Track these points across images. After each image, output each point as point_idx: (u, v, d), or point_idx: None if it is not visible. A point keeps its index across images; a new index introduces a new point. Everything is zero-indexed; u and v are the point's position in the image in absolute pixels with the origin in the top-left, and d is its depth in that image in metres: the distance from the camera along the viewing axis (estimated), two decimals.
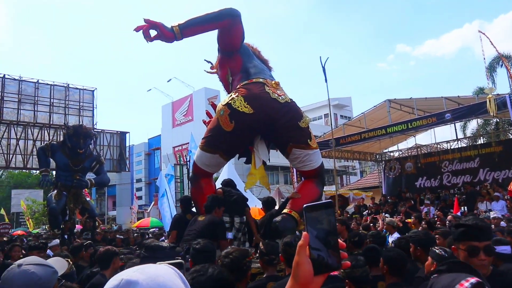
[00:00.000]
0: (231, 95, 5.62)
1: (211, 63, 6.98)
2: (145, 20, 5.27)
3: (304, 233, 1.01)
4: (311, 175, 6.15)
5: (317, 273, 1.00)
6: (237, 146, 5.95)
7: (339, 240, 1.02)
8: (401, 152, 21.99)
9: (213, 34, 6.01)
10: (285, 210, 5.82)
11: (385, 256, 3.45)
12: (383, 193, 20.63)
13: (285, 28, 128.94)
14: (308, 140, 5.82)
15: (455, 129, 19.52)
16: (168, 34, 5.36)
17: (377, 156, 22.76)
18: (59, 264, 2.16)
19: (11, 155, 25.82)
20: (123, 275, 0.96)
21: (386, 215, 13.91)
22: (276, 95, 5.59)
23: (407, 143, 21.68)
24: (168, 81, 50.94)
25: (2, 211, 35.64)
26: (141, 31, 5.29)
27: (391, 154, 22.54)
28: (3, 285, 1.84)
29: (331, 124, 16.83)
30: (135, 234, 14.96)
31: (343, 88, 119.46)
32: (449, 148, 19.79)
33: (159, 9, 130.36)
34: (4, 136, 25.67)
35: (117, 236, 11.70)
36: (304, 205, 1.02)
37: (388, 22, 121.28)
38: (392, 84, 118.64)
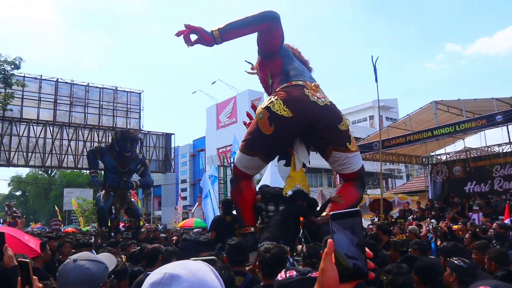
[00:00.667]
0: (270, 98, 5.63)
1: (252, 64, 7.01)
2: (186, 26, 5.37)
3: (329, 240, 1.01)
4: (351, 178, 6.10)
5: (343, 281, 1.00)
6: (277, 148, 5.96)
7: (366, 249, 1.01)
8: (449, 156, 21.28)
9: (255, 36, 6.04)
10: (324, 213, 5.78)
11: (415, 266, 3.38)
12: (430, 197, 20.02)
13: (328, 29, 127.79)
14: (348, 143, 5.77)
15: (508, 132, 18.66)
16: (208, 38, 5.44)
17: (424, 160, 22.13)
18: (110, 261, 2.26)
19: (63, 155, 26.95)
20: (166, 269, 1.00)
21: (432, 220, 13.50)
22: (315, 97, 5.56)
23: (455, 146, 20.93)
24: (212, 83, 51.65)
25: (56, 209, 37.20)
26: (182, 36, 5.38)
27: (438, 157, 21.86)
28: (59, 278, 1.92)
29: (379, 125, 16.48)
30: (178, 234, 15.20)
31: (389, 89, 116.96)
32: (500, 151, 18.93)
33: (201, 12, 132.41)
34: (57, 137, 26.82)
35: (160, 235, 11.99)
36: (331, 213, 1.02)
37: (436, 21, 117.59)
38: (441, 85, 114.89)
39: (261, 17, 5.64)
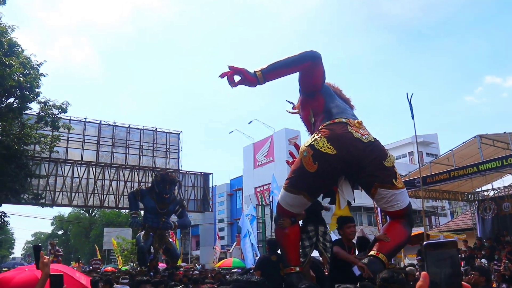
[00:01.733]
0: (313, 136, 5.61)
1: (293, 104, 7.05)
2: (230, 67, 5.46)
3: (423, 272, 0.97)
4: (398, 216, 5.91)
5: None
6: (321, 186, 5.88)
7: (463, 283, 0.95)
8: (496, 191, 20.42)
9: (293, 75, 6.09)
10: (371, 252, 5.59)
11: None
12: (478, 235, 19.13)
13: (363, 67, 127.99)
14: (394, 180, 5.63)
15: None
16: (251, 79, 5.50)
17: (469, 196, 21.31)
18: None
19: (105, 195, 27.58)
20: None
21: (482, 260, 12.84)
22: (359, 134, 5.51)
23: (503, 182, 20.11)
24: (249, 123, 52.16)
25: (96, 248, 37.70)
26: (226, 77, 5.49)
27: (485, 193, 21.00)
28: None
29: (418, 162, 16.15)
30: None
31: (428, 124, 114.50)
32: None
33: (234, 55, 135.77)
34: (99, 178, 27.55)
35: (195, 272, 12.09)
36: (425, 243, 0.99)
37: (473, 54, 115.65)
38: (483, 118, 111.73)
39: (302, 57, 5.69)
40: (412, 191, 17.58)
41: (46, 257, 2.97)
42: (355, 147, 5.44)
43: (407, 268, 7.10)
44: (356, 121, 5.72)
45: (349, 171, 5.72)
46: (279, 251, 6.98)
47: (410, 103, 10.25)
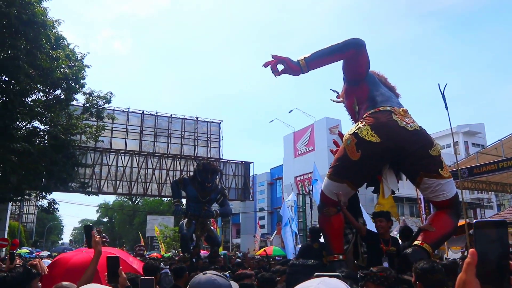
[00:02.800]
0: (357, 125, 5.54)
1: (337, 92, 6.98)
2: (273, 56, 5.49)
3: (472, 250, 0.95)
4: (444, 206, 5.77)
5: None
6: (365, 175, 5.80)
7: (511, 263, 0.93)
8: None
9: (334, 64, 6.00)
10: (416, 242, 5.48)
11: None
12: None
13: (404, 54, 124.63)
14: (440, 169, 5.50)
15: None
16: (295, 68, 5.51)
17: None
18: (234, 285, 2.36)
19: (148, 184, 28.24)
20: (311, 286, 1.02)
21: None
22: (404, 123, 5.40)
23: None
24: (289, 112, 51.96)
25: (139, 235, 38.79)
26: (270, 66, 5.49)
27: None
28: (191, 284, 2.11)
29: (455, 153, 15.56)
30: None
31: (475, 114, 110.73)
32: None
33: (275, 45, 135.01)
34: (142, 166, 28.23)
35: (236, 260, 12.32)
36: (475, 221, 0.97)
37: None
38: None
39: (346, 45, 5.64)
40: (456, 182, 17.04)
41: (97, 236, 3.08)
42: (400, 135, 5.34)
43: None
44: (401, 109, 5.60)
45: (394, 160, 5.63)
46: (321, 239, 6.98)
47: (443, 94, 9.92)
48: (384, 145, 5.31)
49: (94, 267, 2.88)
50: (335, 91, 7.04)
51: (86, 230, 3.08)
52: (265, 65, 5.51)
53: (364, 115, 5.65)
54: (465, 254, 14.23)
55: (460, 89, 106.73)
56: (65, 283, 2.69)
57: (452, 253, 16.12)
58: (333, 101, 7.05)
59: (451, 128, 11.56)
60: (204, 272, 2.19)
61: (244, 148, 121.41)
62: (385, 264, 5.06)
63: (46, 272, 3.51)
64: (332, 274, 1.19)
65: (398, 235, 7.07)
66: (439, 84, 10.05)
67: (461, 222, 16.92)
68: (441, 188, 5.56)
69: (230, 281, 2.45)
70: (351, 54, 5.69)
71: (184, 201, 13.94)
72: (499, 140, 17.22)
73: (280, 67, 5.53)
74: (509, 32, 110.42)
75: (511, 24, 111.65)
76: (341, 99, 6.84)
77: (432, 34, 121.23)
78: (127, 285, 2.61)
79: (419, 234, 5.67)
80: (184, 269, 5.07)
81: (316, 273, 1.15)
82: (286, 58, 5.49)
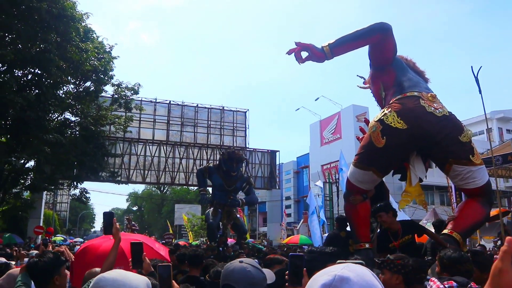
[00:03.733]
0: (383, 111, 5.43)
1: (364, 78, 6.87)
2: (296, 43, 5.42)
3: (508, 238, 0.94)
4: (475, 194, 5.60)
5: None
6: (391, 162, 5.70)
7: None
8: None
9: (360, 50, 5.91)
10: (445, 231, 5.39)
11: None
12: None
13: (438, 38, 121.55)
14: (471, 156, 5.33)
15: None
16: (319, 55, 5.43)
17: None
18: (269, 275, 2.39)
19: (175, 173, 28.63)
20: (335, 271, 0.99)
21: None
22: (432, 108, 5.25)
23: None
24: (315, 100, 51.38)
25: (168, 223, 39.40)
26: (293, 53, 5.44)
27: None
28: (224, 272, 2.14)
29: (489, 138, 15.15)
30: (285, 249, 15.38)
31: (509, 99, 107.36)
32: None
33: (300, 32, 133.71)
34: (169, 156, 28.61)
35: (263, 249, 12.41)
36: None
37: None
38: None
39: (372, 29, 5.51)
40: (490, 169, 16.63)
41: (117, 223, 3.14)
42: (428, 121, 5.20)
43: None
44: (429, 94, 5.45)
45: (421, 146, 5.50)
46: (348, 228, 6.93)
47: (476, 77, 9.55)
48: (411, 132, 5.20)
49: (115, 254, 2.93)
50: (361, 77, 6.93)
51: (107, 217, 3.11)
52: (289, 53, 5.44)
53: (391, 101, 5.54)
54: (498, 243, 13.94)
55: (494, 74, 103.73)
56: (97, 269, 2.79)
57: (484, 242, 15.82)
58: (360, 87, 6.95)
59: (485, 112, 11.19)
60: (241, 260, 2.16)
61: (270, 137, 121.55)
62: None
63: (73, 259, 3.62)
64: (356, 262, 1.20)
65: (427, 224, 6.98)
66: (472, 67, 9.70)
67: (495, 211, 16.64)
68: (472, 176, 5.40)
69: (265, 269, 2.45)
70: (377, 39, 5.58)
71: (210, 189, 14.09)
72: None
73: (304, 54, 5.45)
74: None
75: None
76: (368, 85, 6.74)
77: (464, 17, 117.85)
78: (151, 271, 2.64)
79: (449, 223, 5.59)
80: (200, 257, 5.01)
81: (338, 260, 1.16)
82: (310, 45, 5.42)
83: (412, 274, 2.80)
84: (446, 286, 1.93)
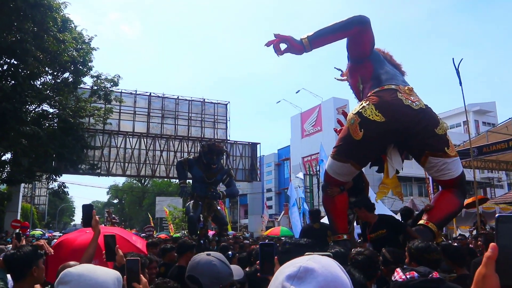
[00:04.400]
0: (361, 104, 5.49)
1: (341, 71, 6.92)
2: (275, 35, 5.41)
3: (492, 244, 0.96)
4: (450, 185, 5.74)
5: None
6: (368, 154, 5.77)
7: None
8: None
9: (340, 43, 5.94)
10: (421, 221, 5.50)
11: None
12: None
13: (418, 31, 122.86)
14: (446, 148, 5.45)
15: None
16: (298, 47, 5.43)
17: None
18: (237, 271, 2.37)
19: (156, 165, 28.45)
20: (300, 262, 1.00)
21: None
22: (409, 101, 5.33)
23: None
24: (296, 92, 51.55)
25: (149, 216, 39.19)
26: (272, 45, 5.43)
27: None
28: (190, 264, 2.17)
29: (468, 130, 15.43)
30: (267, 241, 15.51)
31: (486, 92, 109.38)
32: None
33: (282, 24, 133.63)
34: (150, 148, 28.40)
35: (245, 241, 12.47)
36: (497, 215, 0.98)
37: None
38: None
39: (350, 22, 5.53)
40: (466, 161, 16.96)
41: (97, 216, 3.12)
42: (405, 114, 5.28)
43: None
44: (406, 88, 5.53)
45: (398, 139, 5.58)
46: (322, 220, 7.04)
47: (457, 69, 9.68)
48: (388, 124, 5.26)
49: (94, 247, 2.92)
50: (339, 70, 6.97)
51: (86, 210, 3.08)
52: (268, 44, 5.43)
53: (369, 94, 5.59)
54: (474, 233, 14.23)
55: (471, 68, 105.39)
56: (71, 262, 2.76)
57: (461, 232, 16.17)
58: (337, 79, 7.00)
59: (464, 104, 11.31)
60: (208, 253, 2.18)
61: (251, 129, 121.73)
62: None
63: (52, 253, 3.58)
64: (323, 254, 1.21)
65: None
66: (453, 59, 9.80)
67: (471, 198, 16.96)
68: (447, 167, 5.52)
69: (233, 265, 2.45)
70: (355, 32, 5.61)
71: (190, 181, 14.02)
72: (509, 118, 17.05)
73: (283, 46, 5.45)
74: None
75: None
76: (345, 77, 6.79)
77: (444, 12, 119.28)
78: (124, 263, 2.62)
79: (423, 213, 5.70)
80: (186, 246, 5.04)
81: (306, 252, 1.16)
82: (288, 37, 5.41)
83: (366, 267, 2.84)
84: (408, 276, 1.98)
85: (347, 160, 5.63)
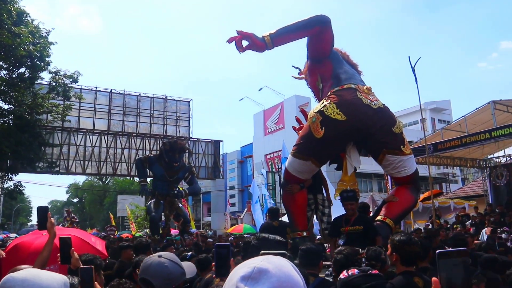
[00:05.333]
0: (322, 102, 5.59)
1: (299, 69, 6.99)
2: (238, 32, 5.42)
3: (434, 279, 1.03)
4: (405, 182, 5.97)
5: None
6: (329, 152, 5.90)
7: None
8: (509, 158, 20.23)
9: (303, 42, 6.01)
10: (379, 217, 5.66)
11: None
12: (490, 202, 19.11)
13: (378, 31, 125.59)
14: (402, 146, 5.67)
15: None
16: (260, 44, 5.46)
17: (481, 163, 21.17)
18: (189, 269, 2.36)
19: (117, 163, 27.91)
20: (254, 263, 1.00)
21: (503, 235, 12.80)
22: (368, 100, 5.49)
23: None
24: (259, 90, 51.87)
25: (110, 215, 38.48)
26: (234, 42, 5.43)
27: (497, 160, 20.84)
28: (142, 267, 2.15)
29: (423, 128, 15.94)
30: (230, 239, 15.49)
31: (441, 91, 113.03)
32: None
33: (246, 22, 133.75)
34: (111, 146, 27.82)
35: (208, 239, 12.43)
36: (437, 252, 1.04)
37: (488, 19, 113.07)
38: (497, 84, 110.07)
39: (312, 22, 5.62)
40: (422, 157, 17.50)
41: (52, 218, 3.02)
42: (365, 113, 5.42)
43: None
44: (365, 87, 5.68)
45: (358, 137, 5.72)
46: (281, 218, 7.15)
47: (413, 68, 9.98)
48: (349, 123, 5.38)
49: (49, 249, 2.85)
50: (297, 68, 7.04)
51: (41, 212, 2.99)
52: (229, 41, 5.43)
53: (329, 93, 5.70)
54: (430, 227, 14.73)
55: (428, 67, 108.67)
56: (22, 266, 2.68)
57: (418, 226, 16.68)
58: (295, 77, 7.08)
59: (420, 102, 11.64)
60: (160, 255, 2.18)
61: (214, 127, 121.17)
62: (340, 242, 5.16)
63: (4, 256, 3.47)
64: (278, 252, 1.24)
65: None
66: (409, 57, 10.05)
67: (427, 193, 17.52)
68: (403, 165, 5.73)
69: (186, 262, 2.46)
70: (316, 31, 5.69)
71: (150, 179, 13.82)
72: (462, 116, 17.62)
73: (245, 43, 5.47)
74: (476, 11, 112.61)
75: (479, 2, 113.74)
76: (303, 76, 6.88)
77: (402, 12, 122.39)
78: (80, 266, 2.48)
79: (383, 207, 5.87)
80: (146, 246, 4.99)
81: (262, 251, 1.20)
82: (251, 34, 5.44)
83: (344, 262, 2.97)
84: (349, 273, 2.10)
85: (307, 158, 5.73)
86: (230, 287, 0.99)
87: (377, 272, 2.17)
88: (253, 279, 0.96)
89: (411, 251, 3.11)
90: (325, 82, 6.04)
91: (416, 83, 10.50)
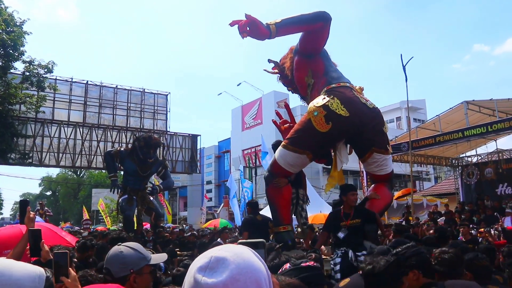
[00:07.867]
0: (324, 97, 5.58)
1: (277, 63, 6.93)
2: (246, 16, 5.24)
3: None
4: (383, 179, 6.17)
5: None
6: (326, 147, 5.96)
7: None
8: (480, 157, 20.77)
9: (285, 38, 6.00)
10: None
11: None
12: (461, 200, 19.60)
13: (350, 31, 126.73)
14: (387, 145, 5.96)
15: None
16: (264, 32, 5.32)
17: (454, 161, 21.68)
18: (158, 257, 2.38)
19: (92, 156, 27.45)
20: (211, 253, 0.99)
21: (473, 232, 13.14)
22: (364, 100, 5.73)
23: (487, 148, 20.36)
24: (238, 85, 51.72)
25: (83, 209, 37.93)
26: (237, 26, 5.26)
27: (469, 159, 21.37)
28: (106, 256, 2.26)
29: (408, 125, 16.25)
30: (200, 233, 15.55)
31: (416, 90, 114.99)
32: None
33: (226, 17, 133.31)
34: (86, 138, 27.35)
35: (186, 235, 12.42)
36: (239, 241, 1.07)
37: (462, 22, 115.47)
38: (470, 85, 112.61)
39: (316, 17, 5.62)
40: (398, 155, 17.81)
41: (32, 212, 2.96)
42: (363, 112, 5.59)
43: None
44: (357, 87, 5.91)
45: (354, 134, 5.82)
46: (261, 212, 7.18)
47: (404, 66, 10.12)
48: (351, 119, 5.47)
49: (24, 244, 2.75)
50: (274, 62, 6.90)
51: (22, 205, 2.95)
52: (232, 24, 5.26)
53: (326, 89, 5.72)
54: (403, 223, 15.03)
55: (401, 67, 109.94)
56: None
57: (392, 222, 16.99)
58: (267, 72, 7.04)
59: (407, 99, 11.74)
60: (121, 243, 2.28)
61: (191, 121, 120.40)
62: (341, 234, 5.17)
63: None
64: (257, 241, 1.24)
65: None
66: (401, 55, 10.21)
67: (404, 190, 17.85)
68: (386, 163, 5.96)
69: (155, 253, 2.50)
70: (319, 27, 5.70)
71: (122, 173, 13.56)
72: (436, 115, 18.00)
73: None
74: (451, 13, 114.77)
75: (454, 5, 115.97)
76: (276, 71, 6.88)
77: (378, 12, 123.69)
78: (50, 258, 2.43)
79: (365, 203, 5.99)
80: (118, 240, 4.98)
81: (239, 241, 1.20)
82: (257, 20, 5.28)
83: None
84: (283, 269, 2.16)
85: (304, 151, 5.69)
86: (188, 280, 0.98)
87: (312, 263, 2.18)
88: (210, 268, 0.95)
89: (410, 234, 3.19)
90: (318, 78, 6.05)
91: (406, 81, 10.69)
